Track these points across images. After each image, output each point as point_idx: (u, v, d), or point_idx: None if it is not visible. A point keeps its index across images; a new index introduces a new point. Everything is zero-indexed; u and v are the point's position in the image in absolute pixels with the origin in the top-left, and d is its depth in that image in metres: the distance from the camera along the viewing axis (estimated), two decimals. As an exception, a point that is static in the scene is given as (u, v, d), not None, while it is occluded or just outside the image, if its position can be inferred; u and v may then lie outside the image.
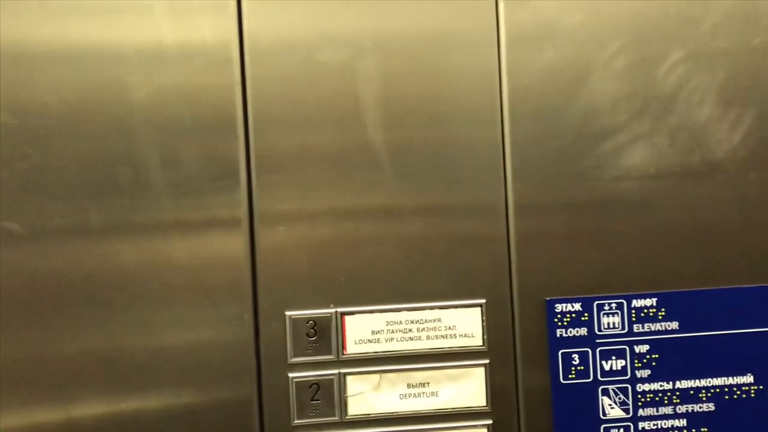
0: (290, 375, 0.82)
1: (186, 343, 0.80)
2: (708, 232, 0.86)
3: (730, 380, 0.87)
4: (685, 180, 0.86)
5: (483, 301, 0.84)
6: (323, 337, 0.82)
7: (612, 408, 0.86)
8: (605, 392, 0.86)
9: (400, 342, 0.83)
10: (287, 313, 0.82)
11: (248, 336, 0.81)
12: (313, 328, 0.82)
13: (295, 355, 0.82)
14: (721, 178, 0.86)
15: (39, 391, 0.78)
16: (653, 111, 0.85)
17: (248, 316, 0.81)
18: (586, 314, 0.85)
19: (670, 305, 0.86)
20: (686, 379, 0.86)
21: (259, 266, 0.81)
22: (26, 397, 0.78)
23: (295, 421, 0.82)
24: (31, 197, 0.78)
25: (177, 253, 0.80)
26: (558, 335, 0.85)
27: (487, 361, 0.84)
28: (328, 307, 0.82)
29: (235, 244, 0.81)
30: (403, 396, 0.83)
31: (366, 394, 0.83)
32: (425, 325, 0.83)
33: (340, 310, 0.82)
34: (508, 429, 0.84)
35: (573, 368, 0.85)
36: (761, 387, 0.87)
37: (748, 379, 0.87)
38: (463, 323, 0.84)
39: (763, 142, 0.86)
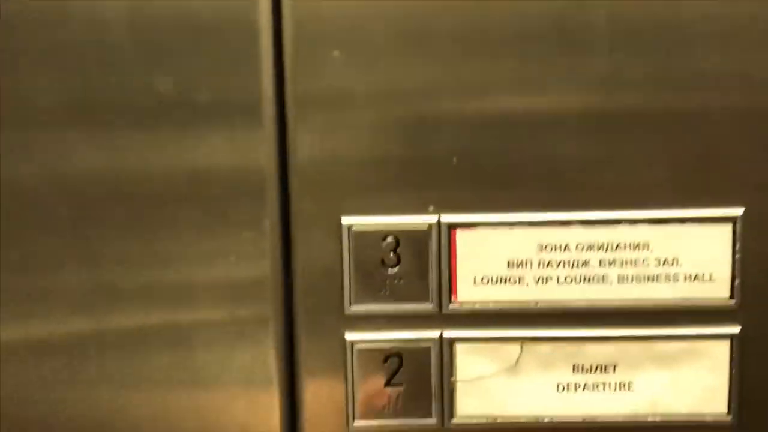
0: (347, 337, 0.43)
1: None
2: None
3: None
4: None
5: (739, 211, 0.41)
6: (413, 268, 0.42)
7: None
8: None
9: (566, 285, 0.42)
10: (344, 220, 0.42)
11: (270, 268, 0.42)
12: (393, 251, 0.42)
13: (357, 301, 0.42)
14: None
15: None
16: None
17: (270, 227, 0.42)
18: None
19: None
20: None
21: (292, 122, 0.41)
22: None
23: (355, 424, 0.43)
24: None
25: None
26: None
27: (736, 330, 0.42)
28: (424, 211, 0.42)
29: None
30: (564, 387, 0.43)
31: (490, 380, 0.43)
32: (620, 256, 0.42)
33: (446, 218, 0.42)
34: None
35: None
36: None
37: None
38: (695, 254, 0.42)
39: None
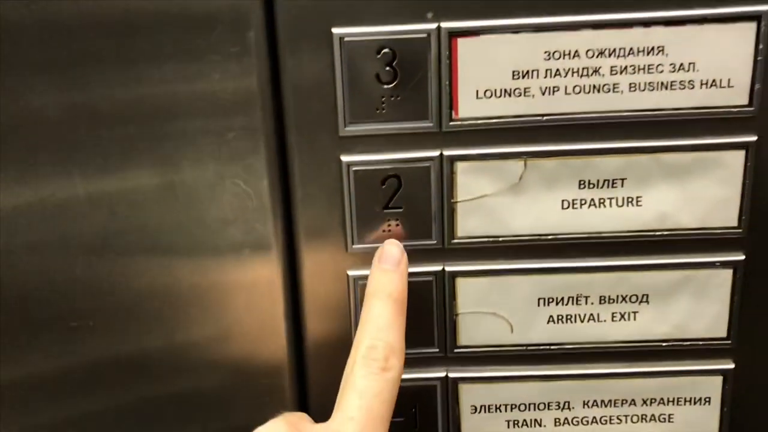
0: (343, 159, 0.41)
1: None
2: None
3: None
4: None
5: (764, 8, 0.38)
6: (411, 82, 0.39)
7: None
8: None
9: (575, 96, 0.39)
10: (335, 31, 0.38)
11: (257, 85, 0.39)
12: (389, 65, 0.39)
13: (352, 121, 0.40)
14: None
15: None
16: None
17: (255, 40, 0.38)
18: None
19: None
20: None
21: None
22: None
23: (354, 247, 0.42)
24: None
25: None
26: None
27: (753, 138, 0.40)
28: (423, 19, 0.38)
29: None
30: (570, 204, 0.42)
31: (493, 198, 0.41)
32: (633, 62, 0.39)
33: (446, 25, 0.38)
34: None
35: None
36: None
37: None
38: (714, 57, 0.38)
39: None
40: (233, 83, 0.39)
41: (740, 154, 0.40)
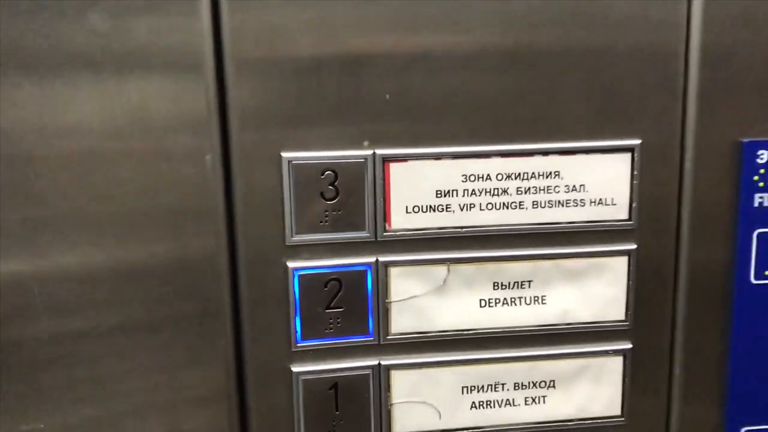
0: (290, 265, 0.46)
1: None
2: None
3: None
4: None
5: (636, 142, 0.47)
6: (350, 199, 0.45)
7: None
8: (820, 300, 0.51)
9: (488, 212, 0.47)
10: (284, 155, 0.44)
11: (214, 201, 0.44)
12: (332, 185, 0.45)
13: (299, 232, 0.45)
14: None
15: None
16: None
17: (212, 158, 0.44)
18: (807, 170, 0.49)
19: None
20: None
21: (228, 47, 0.43)
22: None
23: (299, 344, 0.47)
24: None
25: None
26: (755, 203, 0.49)
27: (632, 247, 0.48)
28: (359, 146, 0.45)
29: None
30: (487, 303, 0.48)
31: (422, 299, 0.47)
32: (535, 184, 0.47)
33: (380, 152, 0.45)
34: (655, 364, 0.50)
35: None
36: None
37: None
38: (600, 180, 0.47)
39: None
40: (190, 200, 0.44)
41: (624, 260, 0.49)
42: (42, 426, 0.45)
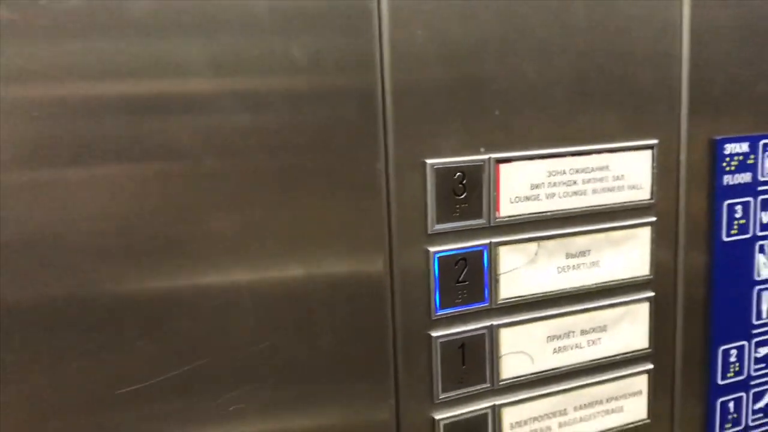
0: (430, 249, 0.57)
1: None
2: None
3: None
4: None
5: (655, 141, 0.65)
6: (473, 194, 0.58)
7: (765, 267, 0.73)
8: (762, 249, 0.72)
9: (563, 198, 0.62)
10: (428, 161, 0.56)
11: (379, 197, 0.55)
12: (461, 183, 0.57)
13: (439, 221, 0.57)
14: None
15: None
16: None
17: (381, 167, 0.54)
18: (752, 157, 0.70)
19: (829, 145, 0.73)
20: (831, 230, 0.76)
21: (392, 98, 0.54)
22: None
23: (437, 313, 0.58)
24: None
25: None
26: (724, 183, 0.69)
27: (654, 219, 0.66)
28: (478, 152, 0.58)
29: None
30: (562, 269, 0.63)
31: (520, 270, 0.61)
32: (591, 175, 0.62)
33: (494, 155, 0.58)
34: (668, 303, 0.68)
35: (735, 223, 0.70)
36: None
37: None
38: (633, 171, 0.64)
39: None
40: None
41: (648, 229, 0.66)
42: None
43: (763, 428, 0.77)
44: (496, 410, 0.62)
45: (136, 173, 0.47)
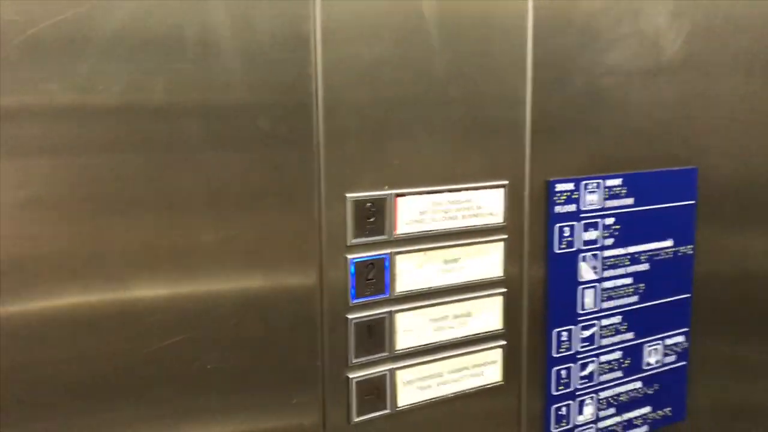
0: (349, 257, 0.82)
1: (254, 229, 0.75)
2: (656, 123, 1.04)
3: (659, 245, 1.08)
4: (645, 77, 1.01)
5: (506, 182, 0.92)
6: (378, 218, 0.83)
7: (587, 272, 1.01)
8: (583, 259, 1.01)
9: (441, 221, 0.87)
10: (348, 195, 0.80)
11: (313, 221, 0.79)
12: (371, 210, 0.82)
13: (355, 237, 0.82)
14: (666, 77, 1.04)
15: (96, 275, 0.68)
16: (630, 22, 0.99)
17: (315, 201, 0.78)
18: (576, 193, 0.98)
19: (631, 184, 1.03)
20: (633, 246, 1.05)
21: (324, 146, 0.78)
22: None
23: (353, 302, 0.83)
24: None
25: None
26: (556, 211, 0.97)
27: (506, 236, 0.93)
28: (383, 188, 0.83)
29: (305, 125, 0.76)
30: (440, 271, 0.89)
31: (412, 271, 0.86)
32: (461, 206, 0.89)
33: (393, 191, 0.83)
34: (516, 296, 0.95)
35: (564, 240, 0.98)
36: (677, 249, 1.10)
37: (669, 243, 1.09)
38: (491, 202, 0.91)
39: (698, 52, 1.05)
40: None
41: (501, 244, 0.93)
42: (217, 364, 0.74)
43: (587, 390, 1.05)
44: (392, 372, 0.87)
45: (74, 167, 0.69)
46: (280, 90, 0.74)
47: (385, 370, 0.86)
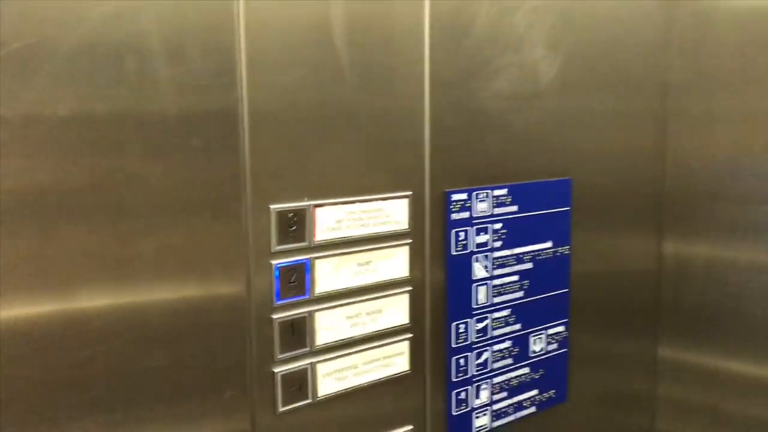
0: (272, 262, 0.91)
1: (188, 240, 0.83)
2: (536, 140, 1.19)
3: (540, 246, 1.23)
4: (526, 100, 1.17)
5: (410, 193, 1.04)
6: (300, 226, 0.92)
7: (480, 271, 1.15)
8: (476, 259, 1.14)
9: (355, 229, 0.98)
10: (272, 206, 0.90)
11: (243, 230, 0.87)
12: (293, 219, 0.91)
13: (278, 243, 0.91)
14: (544, 101, 1.19)
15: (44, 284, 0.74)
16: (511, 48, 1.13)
17: (244, 211, 0.87)
18: (468, 202, 1.12)
19: (515, 194, 1.18)
20: (519, 247, 1.20)
21: (250, 162, 0.87)
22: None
23: (277, 302, 0.92)
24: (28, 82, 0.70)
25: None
26: (452, 218, 1.10)
27: (410, 241, 1.05)
28: (303, 200, 0.93)
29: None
30: (354, 273, 0.99)
31: (329, 274, 0.96)
32: (372, 214, 1.00)
33: (312, 202, 0.93)
34: (420, 294, 1.07)
35: (459, 243, 1.11)
36: (556, 250, 1.26)
37: (549, 244, 1.25)
38: (397, 211, 1.02)
39: (571, 78, 1.22)
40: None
41: (406, 248, 1.04)
42: None
43: (482, 376, 1.19)
44: (313, 366, 0.96)
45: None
46: (212, 111, 0.83)
47: (306, 364, 0.96)
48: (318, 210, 0.94)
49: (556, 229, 1.25)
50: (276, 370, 0.93)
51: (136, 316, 0.80)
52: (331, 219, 0.96)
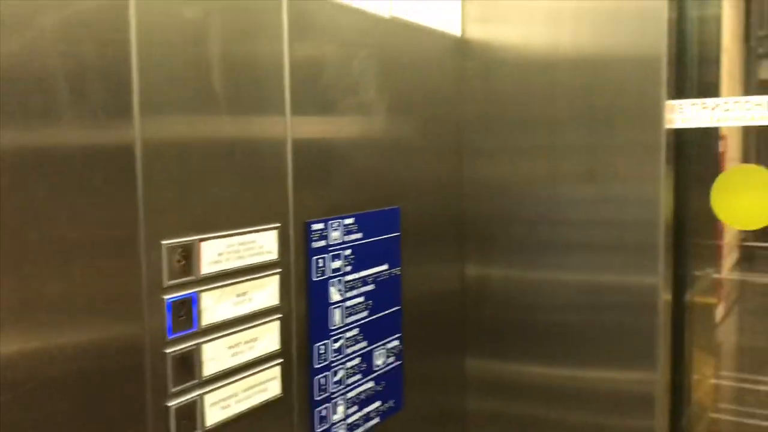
0: (165, 297, 0.92)
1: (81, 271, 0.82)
2: (374, 176, 1.33)
3: (379, 268, 1.36)
4: (366, 143, 1.30)
5: (279, 224, 1.10)
6: (187, 261, 0.95)
7: (335, 294, 1.24)
8: (332, 284, 1.24)
9: (235, 261, 1.02)
10: (163, 242, 0.91)
11: (136, 265, 0.88)
12: (183, 253, 0.94)
13: (170, 279, 0.92)
14: (376, 139, 1.34)
15: None
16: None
17: (139, 248, 0.87)
18: (325, 231, 1.21)
19: (360, 222, 1.30)
20: (364, 270, 1.32)
21: (143, 198, 0.88)
22: None
23: (169, 337, 0.93)
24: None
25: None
26: (313, 246, 1.18)
27: (280, 270, 1.11)
28: (191, 235, 0.95)
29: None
30: (234, 304, 1.03)
31: (213, 306, 0.99)
32: (247, 246, 1.05)
33: (197, 237, 0.96)
34: (288, 319, 1.14)
35: (318, 270, 1.20)
36: (390, 271, 1.39)
37: (386, 267, 1.38)
38: (268, 242, 1.08)
39: (395, 118, 1.38)
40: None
41: (277, 276, 1.11)
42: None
43: (338, 393, 1.28)
44: (201, 397, 0.98)
45: (-1, 259, 0.73)
46: (110, 148, 0.83)
47: (196, 396, 0.97)
48: (203, 244, 0.97)
49: (391, 252, 1.40)
50: (169, 404, 0.93)
51: (41, 362, 0.77)
52: (214, 252, 0.99)
